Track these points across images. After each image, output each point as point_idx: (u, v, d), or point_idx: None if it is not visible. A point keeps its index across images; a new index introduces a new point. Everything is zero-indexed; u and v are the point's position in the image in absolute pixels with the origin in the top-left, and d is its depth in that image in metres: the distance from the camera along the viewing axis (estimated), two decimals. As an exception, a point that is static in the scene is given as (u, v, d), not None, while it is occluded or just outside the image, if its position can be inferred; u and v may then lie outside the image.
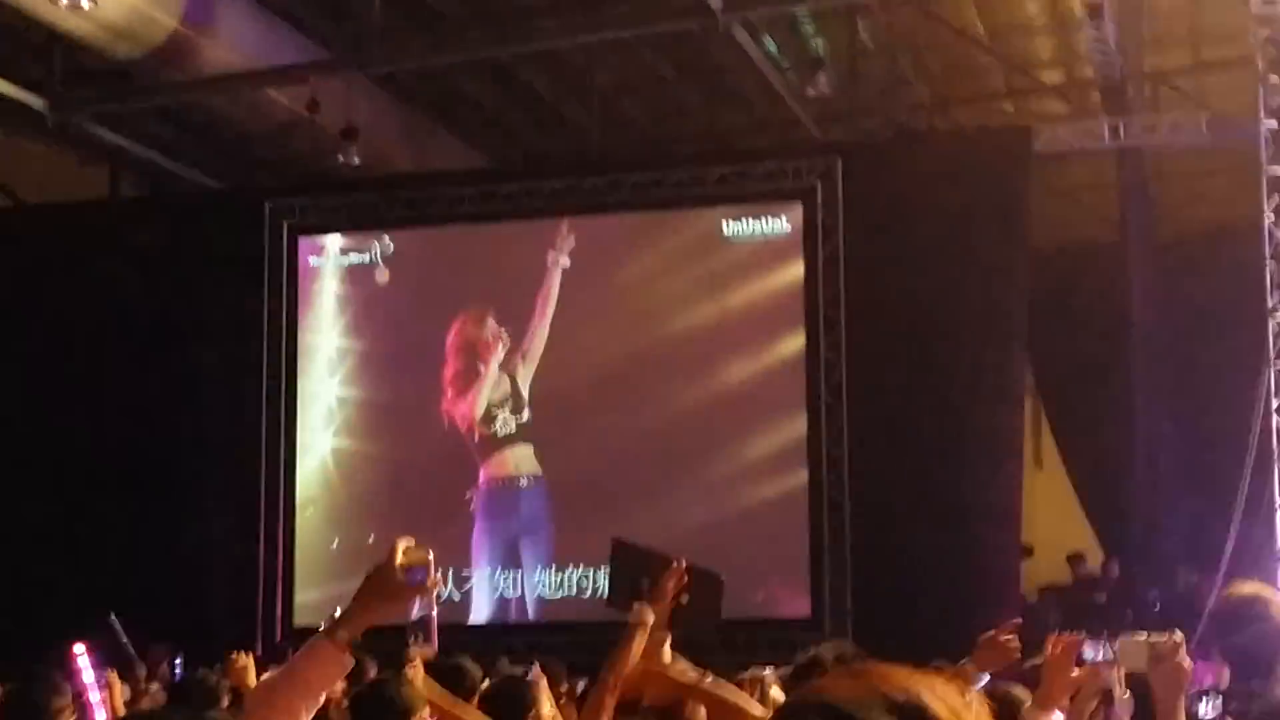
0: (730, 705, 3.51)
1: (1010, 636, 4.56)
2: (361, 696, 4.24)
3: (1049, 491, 16.22)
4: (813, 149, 14.40)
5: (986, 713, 1.71)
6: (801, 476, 13.34)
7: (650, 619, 4.76)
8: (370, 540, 13.81)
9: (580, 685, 7.41)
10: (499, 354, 14.25)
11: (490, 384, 14.25)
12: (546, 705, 5.03)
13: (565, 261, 14.16)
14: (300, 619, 14.03)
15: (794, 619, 12.74)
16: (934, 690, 1.63)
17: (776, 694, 4.61)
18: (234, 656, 6.43)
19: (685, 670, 3.98)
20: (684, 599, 4.96)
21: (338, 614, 2.81)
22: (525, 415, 14.13)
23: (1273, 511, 11.75)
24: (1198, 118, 13.62)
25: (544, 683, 5.71)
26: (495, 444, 14.19)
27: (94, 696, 5.82)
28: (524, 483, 14.14)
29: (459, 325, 14.36)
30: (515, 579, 14.00)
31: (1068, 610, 13.83)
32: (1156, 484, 14.40)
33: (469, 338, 14.35)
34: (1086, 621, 10.48)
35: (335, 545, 14.33)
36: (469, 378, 14.30)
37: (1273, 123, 11.92)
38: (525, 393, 14.17)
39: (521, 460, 14.13)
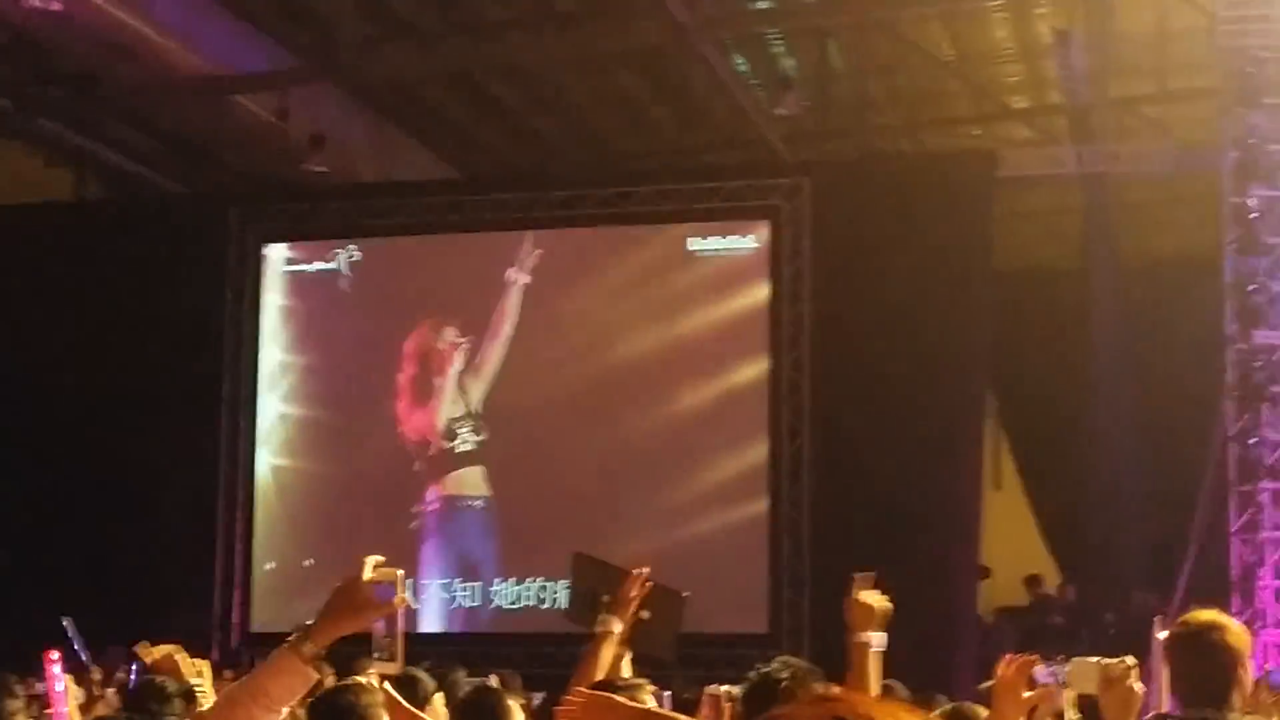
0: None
1: (866, 590, 4.55)
2: (320, 704, 4.23)
3: (1007, 514, 16.28)
4: (781, 169, 14.45)
5: None
6: (763, 494, 13.37)
7: (617, 628, 4.78)
8: (308, 562, 13.77)
9: (535, 699, 7.40)
10: (456, 365, 14.20)
11: (450, 397, 14.20)
12: (518, 716, 5.02)
13: (525, 279, 14.13)
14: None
15: (751, 635, 12.75)
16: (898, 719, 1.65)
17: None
18: (144, 649, 5.95)
19: (639, 697, 3.97)
20: (644, 614, 4.99)
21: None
22: (484, 434, 14.08)
23: (1228, 538, 11.85)
24: (1162, 146, 13.74)
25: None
26: (453, 460, 14.13)
27: (62, 708, 5.75)
28: (478, 503, 14.08)
29: (418, 333, 14.32)
30: (471, 591, 13.94)
31: (1024, 632, 13.89)
32: (1114, 508, 14.49)
33: (426, 346, 14.30)
34: (1042, 643, 10.54)
35: (271, 566, 14.26)
36: (424, 388, 14.26)
37: (1236, 153, 12.03)
38: (479, 410, 14.12)
39: (477, 480, 14.07)
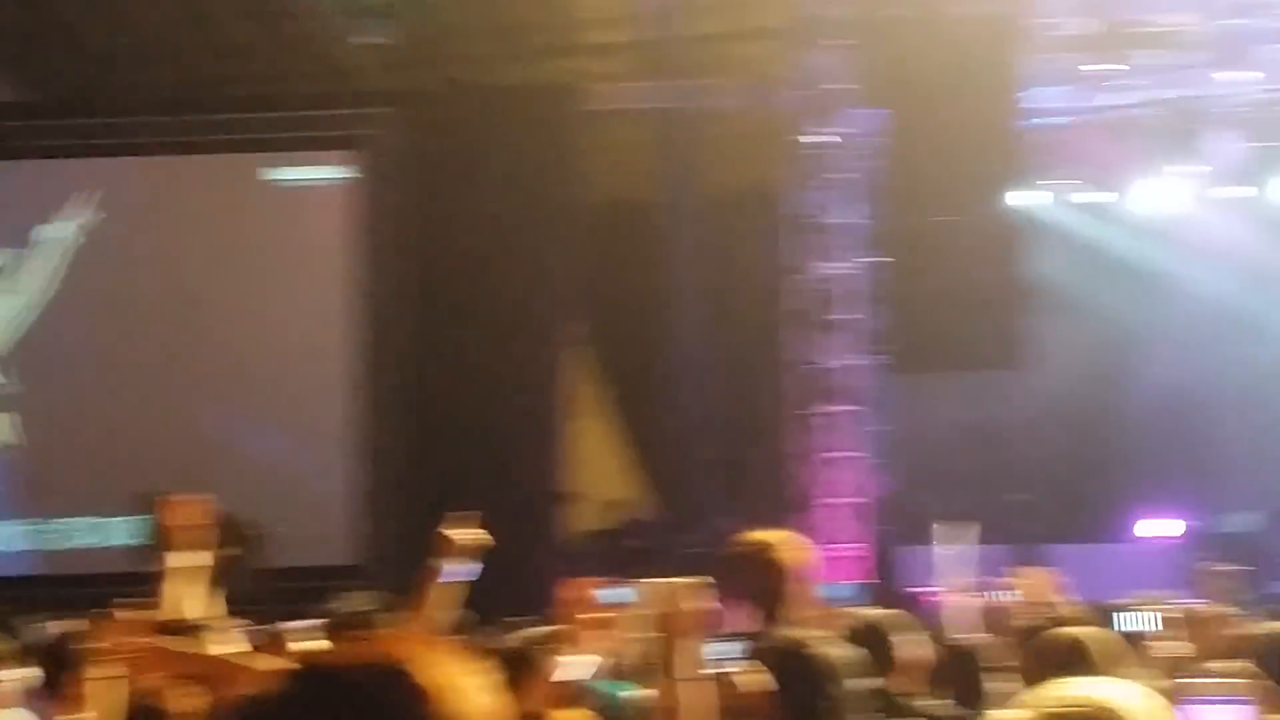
0: (230, 665, 3.51)
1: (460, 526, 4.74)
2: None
3: (594, 440, 16.66)
4: (366, 99, 14.31)
5: (482, 682, 1.69)
6: (348, 425, 13.32)
7: (178, 563, 4.62)
8: None
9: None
10: None
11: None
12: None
13: (59, 233, 13.49)
14: None
15: (337, 567, 12.69)
16: (430, 660, 1.65)
17: (299, 646, 4.63)
18: None
19: (202, 637, 3.94)
20: (230, 551, 4.92)
21: None
22: (16, 379, 13.46)
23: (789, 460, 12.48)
24: (733, 83, 14.22)
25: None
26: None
27: None
28: (12, 447, 13.47)
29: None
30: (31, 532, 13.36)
31: (604, 556, 14.27)
32: (694, 433, 15.03)
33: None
34: (623, 566, 10.91)
35: None
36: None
37: (798, 92, 12.59)
38: (10, 351, 13.50)
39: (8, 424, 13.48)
